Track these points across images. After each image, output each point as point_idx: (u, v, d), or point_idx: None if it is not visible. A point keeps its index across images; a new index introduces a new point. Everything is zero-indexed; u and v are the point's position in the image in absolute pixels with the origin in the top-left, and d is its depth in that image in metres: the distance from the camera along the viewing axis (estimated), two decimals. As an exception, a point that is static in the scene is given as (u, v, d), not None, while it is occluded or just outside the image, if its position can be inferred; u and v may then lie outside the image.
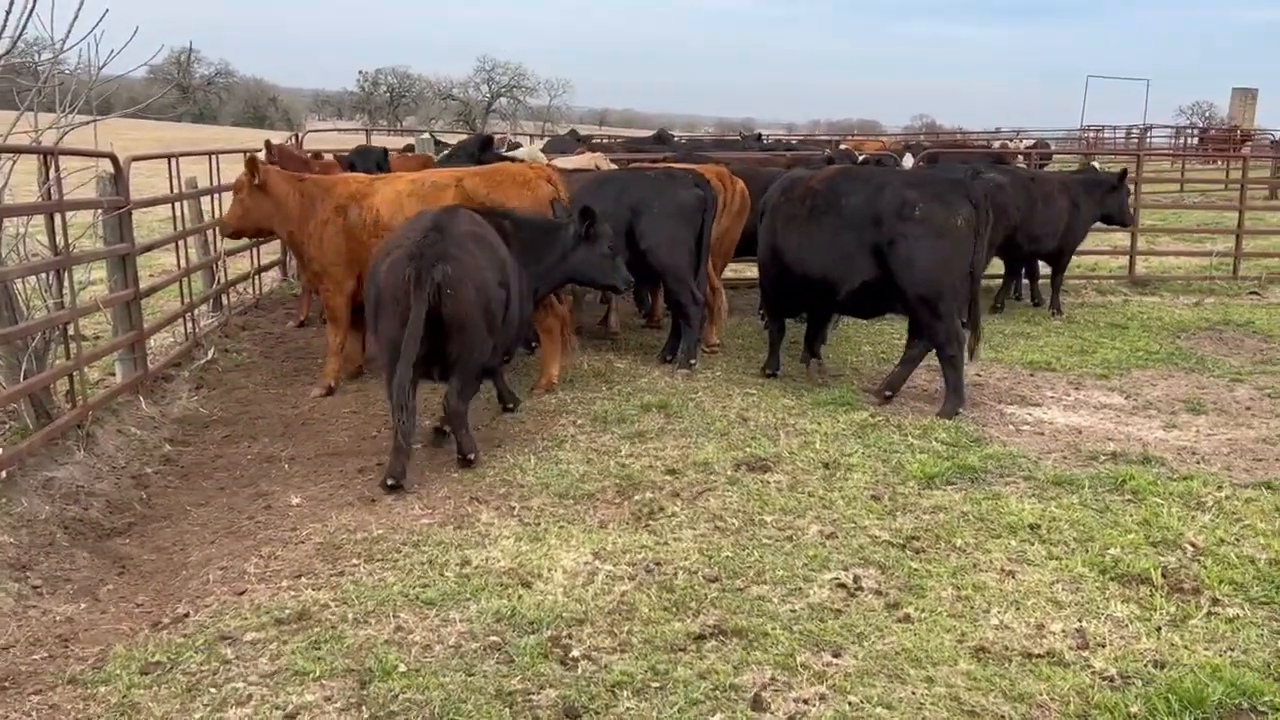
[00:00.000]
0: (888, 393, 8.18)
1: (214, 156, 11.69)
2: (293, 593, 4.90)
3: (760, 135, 24.53)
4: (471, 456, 6.66)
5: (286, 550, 5.45)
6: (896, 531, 5.56)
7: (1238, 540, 5.44)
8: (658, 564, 5.13)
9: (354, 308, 8.43)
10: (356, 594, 4.84)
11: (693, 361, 9.00)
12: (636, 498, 6.05)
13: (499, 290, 6.75)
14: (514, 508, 5.95)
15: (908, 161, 14.25)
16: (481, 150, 10.01)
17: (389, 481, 6.27)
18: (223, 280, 11.27)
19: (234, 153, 12.41)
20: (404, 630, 4.51)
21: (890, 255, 7.87)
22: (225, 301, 11.25)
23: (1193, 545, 5.35)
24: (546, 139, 20.25)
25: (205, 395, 8.55)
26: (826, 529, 5.60)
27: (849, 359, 9.57)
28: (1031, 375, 9.33)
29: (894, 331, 10.70)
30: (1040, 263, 12.87)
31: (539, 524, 5.68)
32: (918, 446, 6.97)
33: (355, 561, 5.25)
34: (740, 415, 7.71)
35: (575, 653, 4.30)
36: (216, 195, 11.43)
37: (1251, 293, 13.97)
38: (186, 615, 4.74)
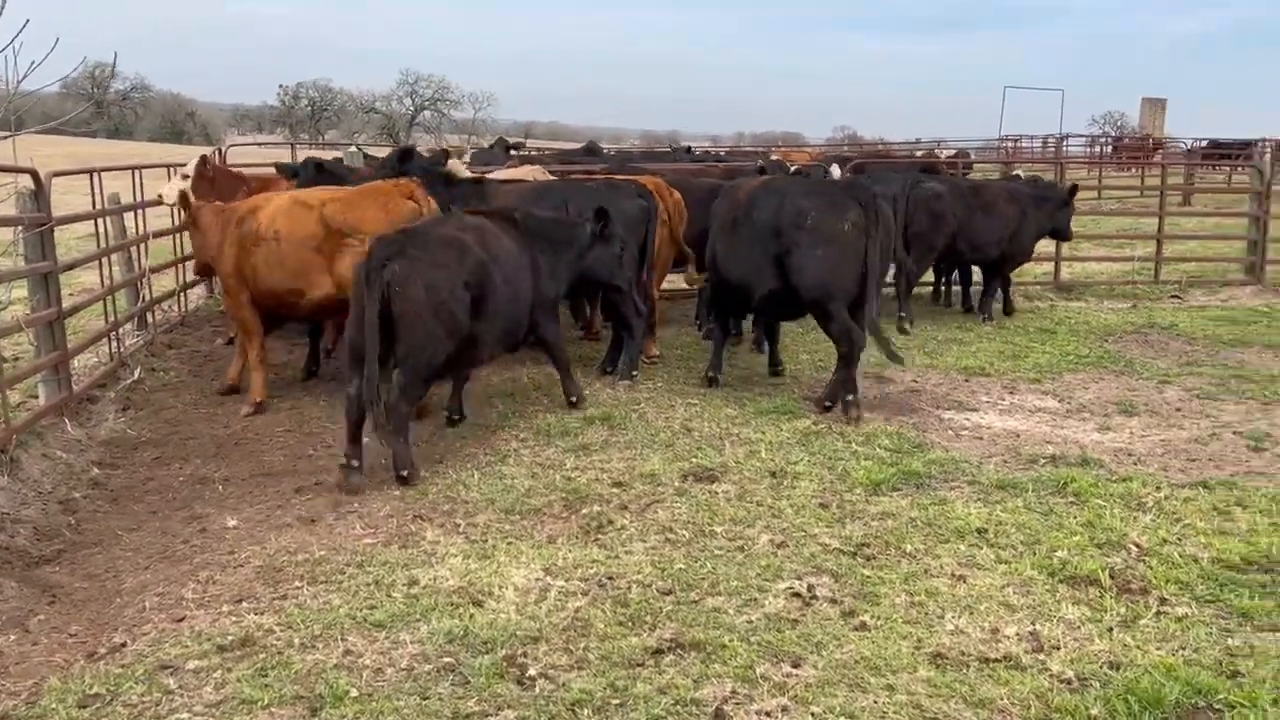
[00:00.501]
0: (827, 403, 8.21)
1: (136, 172, 11.38)
2: (234, 618, 4.74)
3: (690, 147, 24.59)
4: (405, 473, 6.54)
5: (225, 574, 5.28)
6: (847, 539, 5.55)
7: (1180, 540, 5.53)
8: (610, 578, 5.06)
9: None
10: (301, 618, 4.70)
11: (634, 373, 8.95)
12: (584, 511, 5.98)
13: (462, 292, 6.78)
14: (460, 525, 5.84)
15: (835, 172, 14.35)
16: (400, 162, 9.83)
17: (402, 473, 6.50)
18: (148, 298, 10.97)
19: (156, 167, 12.11)
20: (353, 654, 4.39)
21: (787, 263, 8.12)
22: (151, 319, 10.94)
23: (1137, 546, 5.42)
24: (471, 150, 20.02)
25: (133, 416, 8.30)
26: (777, 538, 5.57)
27: (788, 367, 9.58)
28: (967, 380, 9.43)
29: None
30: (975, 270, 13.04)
31: (486, 541, 5.58)
32: (862, 453, 6.99)
33: (298, 584, 5.10)
34: (684, 426, 7.68)
35: (532, 672, 4.21)
36: (140, 211, 11.13)
37: (1173, 296, 14.30)
38: (124, 645, 4.56)
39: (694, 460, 6.85)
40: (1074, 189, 13.17)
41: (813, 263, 8.02)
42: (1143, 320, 12.46)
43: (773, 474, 6.58)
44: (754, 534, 5.63)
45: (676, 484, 6.42)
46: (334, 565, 5.30)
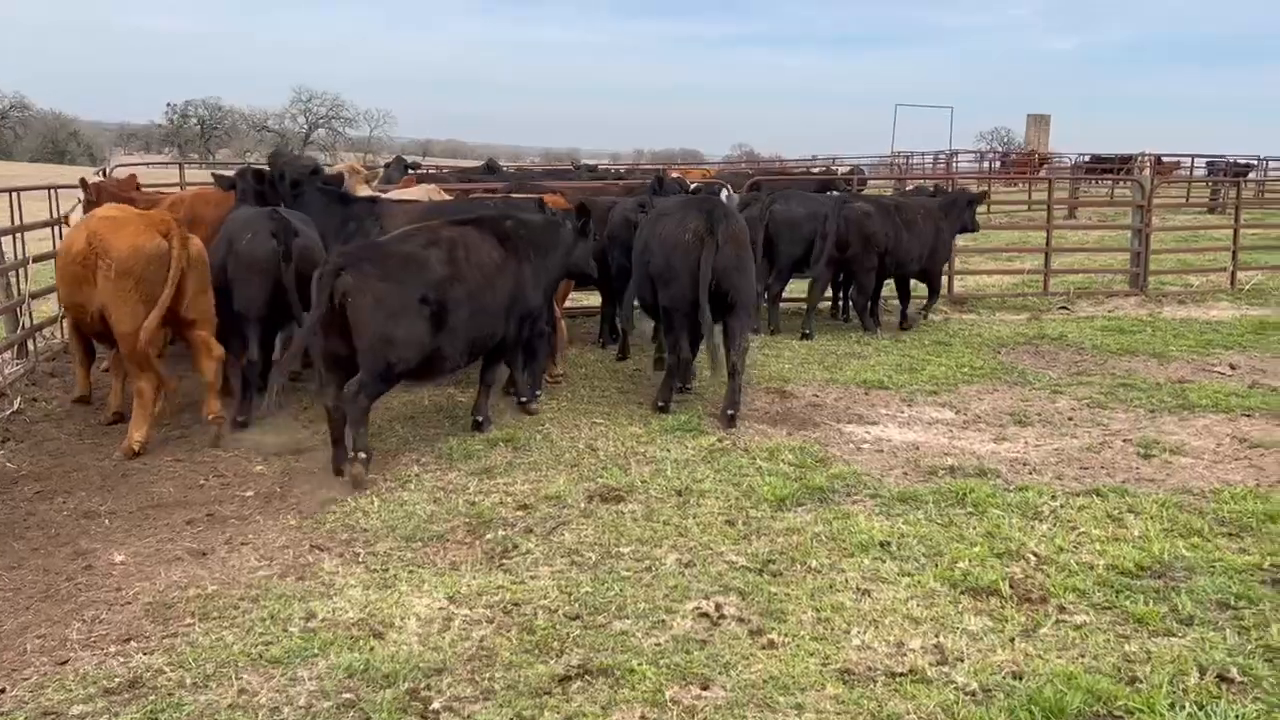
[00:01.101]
0: (730, 411, 8.24)
1: (14, 194, 10.93)
2: (121, 659, 4.54)
3: (592, 165, 24.57)
4: (363, 455, 6.90)
5: (111, 613, 5.06)
6: (753, 556, 5.55)
7: (1076, 548, 5.65)
8: (516, 605, 4.98)
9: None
10: (193, 656, 4.52)
11: (538, 393, 8.86)
12: (488, 536, 5.89)
13: (418, 306, 7.08)
14: (359, 554, 5.70)
15: (727, 193, 14.38)
16: (258, 182, 9.48)
17: (361, 456, 6.89)
18: (28, 325, 10.53)
19: (37, 189, 11.64)
20: (249, 693, 4.22)
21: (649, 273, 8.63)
22: (32, 347, 10.50)
23: (1035, 555, 5.52)
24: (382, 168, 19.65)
25: (12, 449, 7.92)
26: (684, 557, 5.54)
27: (692, 383, 9.58)
28: (866, 394, 9.55)
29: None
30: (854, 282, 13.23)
31: (387, 570, 5.45)
32: (766, 469, 7.01)
33: (189, 621, 4.91)
34: (589, 445, 7.62)
35: (436, 705, 4.10)
36: (19, 234, 10.69)
37: (1061, 307, 14.72)
38: (2, 690, 4.33)
39: (600, 480, 6.80)
40: (983, 194, 13.66)
41: (656, 269, 8.50)
42: (1034, 332, 12.79)
43: (679, 492, 6.56)
44: (661, 554, 5.59)
45: (582, 505, 6.36)
46: (227, 600, 5.11)
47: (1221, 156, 39.02)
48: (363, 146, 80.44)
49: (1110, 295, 15.49)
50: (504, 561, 5.54)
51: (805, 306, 12.64)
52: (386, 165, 20.21)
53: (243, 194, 9.46)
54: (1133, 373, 10.48)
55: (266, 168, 9.81)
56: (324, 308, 6.82)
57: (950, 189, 14.47)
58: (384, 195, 10.33)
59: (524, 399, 8.63)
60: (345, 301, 6.84)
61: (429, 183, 13.58)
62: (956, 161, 46.27)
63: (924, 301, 13.42)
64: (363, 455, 6.89)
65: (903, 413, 8.91)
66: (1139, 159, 36.45)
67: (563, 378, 9.78)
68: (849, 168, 35.67)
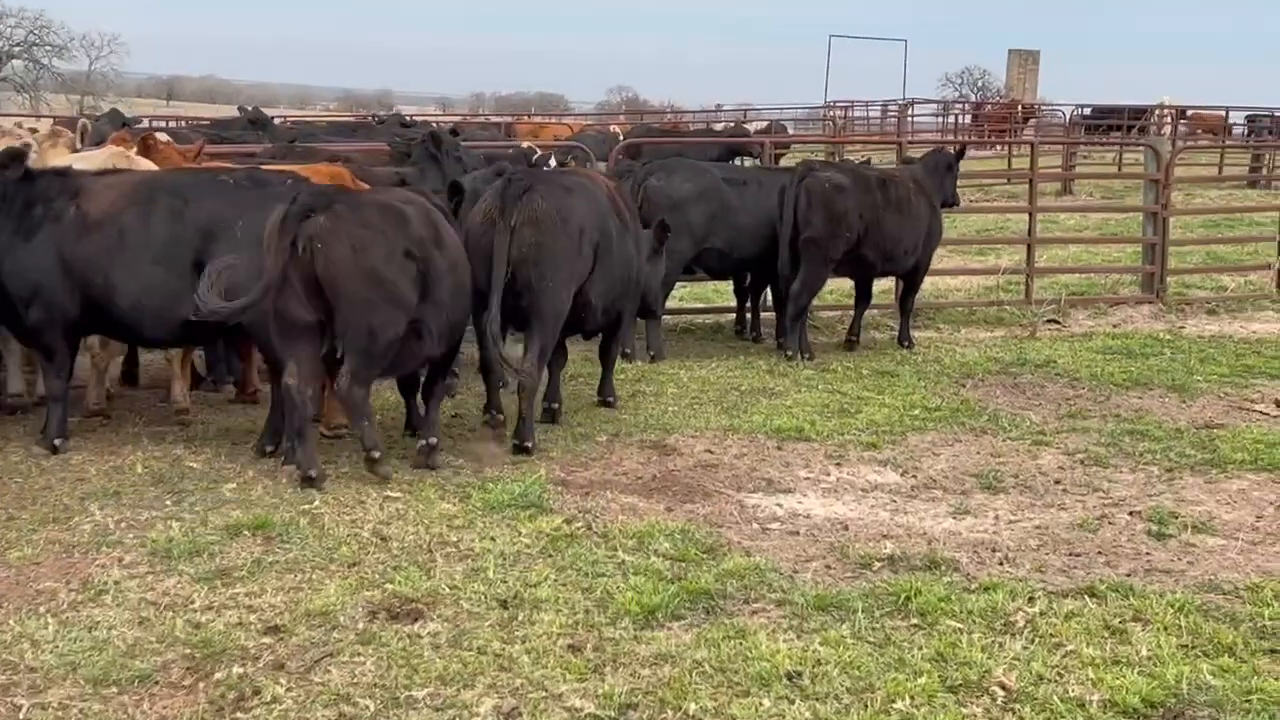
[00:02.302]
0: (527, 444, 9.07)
1: None
2: None
3: (408, 119, 24.23)
4: (376, 454, 8.19)
5: None
6: (606, 699, 5.40)
7: (1061, 676, 5.62)
8: (249, 785, 4.70)
9: None
10: None
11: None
12: (218, 676, 5.62)
13: (404, 261, 8.08)
14: (21, 707, 5.36)
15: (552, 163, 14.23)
16: None
17: (374, 454, 8.21)
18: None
19: None
20: None
21: None
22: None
23: (1003, 688, 5.48)
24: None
25: None
26: (506, 703, 5.38)
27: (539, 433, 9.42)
28: (779, 448, 9.51)
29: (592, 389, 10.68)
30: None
31: (61, 733, 5.14)
32: (631, 565, 6.87)
33: None
34: (377, 533, 7.40)
35: None
36: None
37: (1049, 320, 14.96)
38: None
39: (388, 587, 6.57)
40: (961, 150, 14.51)
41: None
42: (1011, 356, 12.96)
43: (503, 603, 6.37)
44: (472, 699, 5.41)
45: (360, 626, 6.13)
46: None
47: (1267, 109, 40.44)
48: (80, 85, 78.42)
49: (1116, 303, 15.83)
50: (238, 716, 5.28)
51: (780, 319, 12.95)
52: (98, 119, 19.56)
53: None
54: (1144, 414, 10.65)
55: None
56: (285, 252, 7.75)
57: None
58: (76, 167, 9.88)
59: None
60: (314, 249, 7.81)
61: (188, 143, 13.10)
62: (912, 115, 47.15)
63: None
64: (376, 452, 8.18)
65: (828, 475, 8.90)
66: (1157, 112, 37.60)
67: (346, 429, 9.49)
68: (765, 123, 36.13)
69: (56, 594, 6.54)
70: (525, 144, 15.66)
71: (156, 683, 5.58)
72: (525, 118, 44.14)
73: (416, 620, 6.19)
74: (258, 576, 6.74)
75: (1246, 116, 40.97)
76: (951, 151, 14.50)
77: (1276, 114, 38.66)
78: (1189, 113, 38.98)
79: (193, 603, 6.41)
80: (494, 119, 42.49)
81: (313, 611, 6.26)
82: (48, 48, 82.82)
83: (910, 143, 31.98)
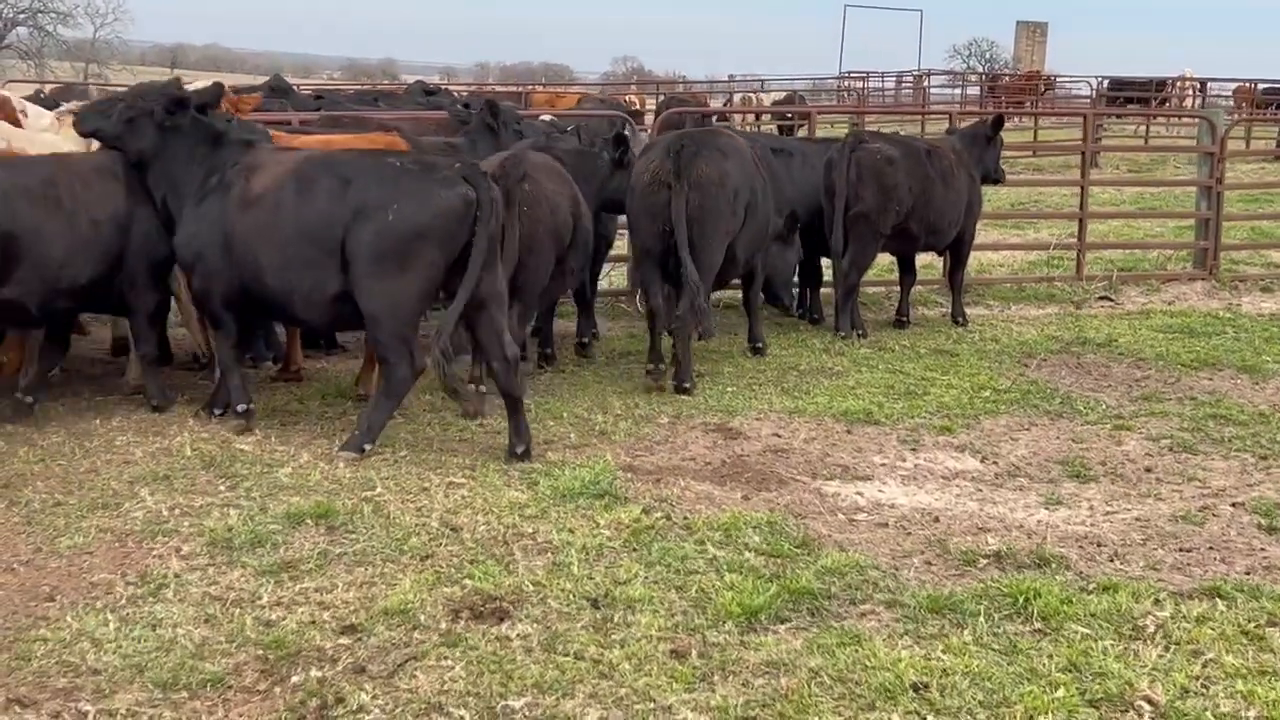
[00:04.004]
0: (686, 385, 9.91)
1: None
2: None
3: (434, 86, 23.75)
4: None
5: None
6: (720, 712, 5.04)
7: (1206, 688, 5.27)
8: (349, 810, 4.33)
9: None
10: None
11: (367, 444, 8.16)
12: (295, 680, 5.30)
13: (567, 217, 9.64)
14: (86, 714, 5.05)
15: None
16: None
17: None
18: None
19: None
20: None
21: None
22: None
23: (1150, 703, 5.13)
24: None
25: None
26: (612, 715, 5.04)
27: (595, 420, 9.03)
28: (849, 432, 9.15)
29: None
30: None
31: (133, 745, 4.79)
32: (723, 560, 6.50)
33: None
34: (447, 522, 7.03)
35: None
36: None
37: (1102, 297, 14.61)
38: None
39: (467, 583, 6.20)
40: (1000, 119, 14.03)
41: None
42: (1070, 334, 12.59)
43: (594, 602, 6.01)
44: (574, 710, 5.06)
45: (443, 625, 5.78)
46: None
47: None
48: (85, 53, 77.95)
49: (1168, 279, 15.45)
50: (323, 726, 4.92)
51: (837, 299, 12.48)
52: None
53: None
54: (1220, 396, 10.28)
55: None
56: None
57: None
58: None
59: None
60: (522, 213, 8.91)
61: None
62: (929, 85, 46.73)
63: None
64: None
65: (905, 461, 8.55)
66: (1178, 83, 37.18)
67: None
68: (784, 94, 35.72)
69: (114, 587, 6.22)
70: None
71: (230, 687, 5.28)
72: (536, 86, 43.66)
73: (503, 620, 5.84)
74: (325, 570, 6.41)
75: (1264, 89, 40.55)
76: (988, 122, 14.19)
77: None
78: (1235, 88, 38.53)
79: (260, 598, 6.08)
80: (500, 87, 42.05)
81: (390, 610, 5.92)
82: (52, 15, 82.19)
83: (928, 114, 31.76)
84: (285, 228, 8.15)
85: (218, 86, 9.37)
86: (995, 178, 13.92)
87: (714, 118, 24.62)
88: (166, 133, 8.59)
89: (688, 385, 9.92)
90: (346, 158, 8.58)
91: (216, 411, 8.76)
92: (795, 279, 12.90)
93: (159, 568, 6.40)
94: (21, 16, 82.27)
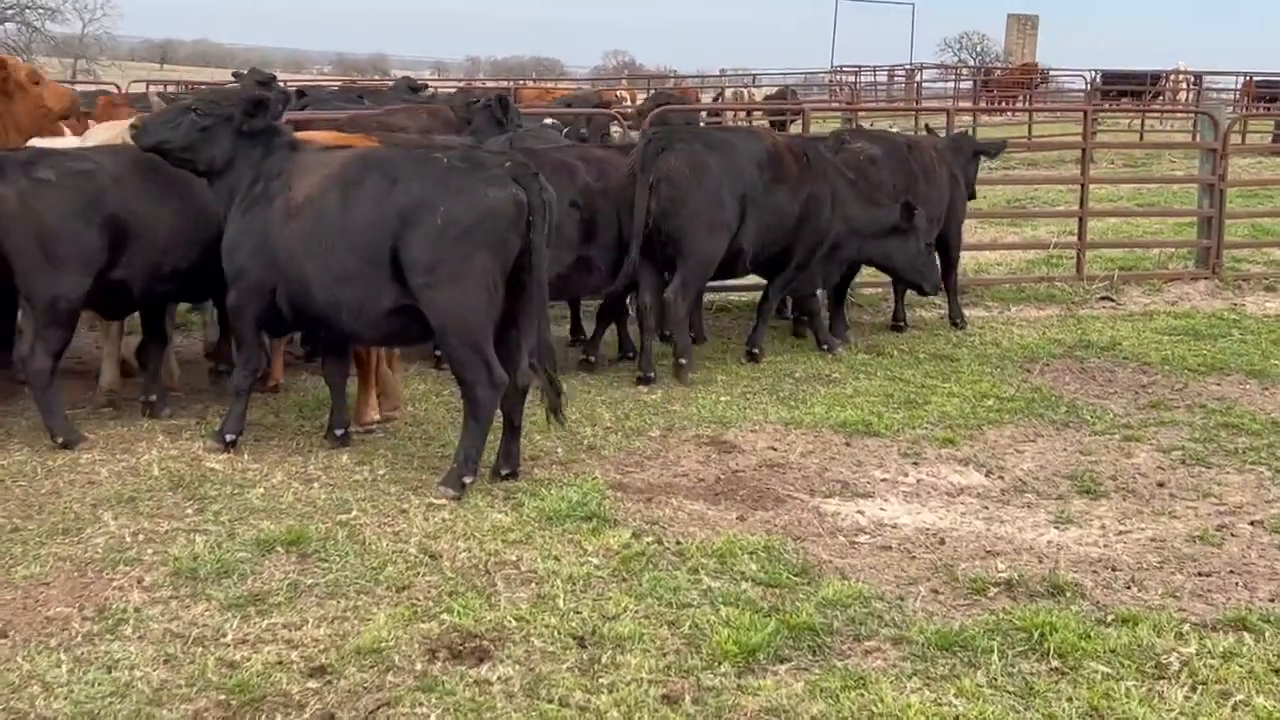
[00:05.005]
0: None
1: None
2: None
3: (420, 84, 23.34)
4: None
5: None
6: (716, 767, 4.63)
7: (1240, 735, 4.87)
8: None
9: None
10: None
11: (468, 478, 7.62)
12: (259, 730, 4.89)
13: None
14: (34, 769, 4.65)
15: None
16: None
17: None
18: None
19: None
20: None
21: None
22: None
23: (1180, 753, 4.72)
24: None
25: None
26: None
27: (584, 433, 8.65)
28: (848, 444, 8.78)
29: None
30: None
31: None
32: (718, 591, 6.12)
33: None
34: (425, 549, 6.66)
35: None
36: None
37: (1103, 298, 14.27)
38: None
39: (445, 618, 5.84)
40: (1000, 146, 13.85)
41: None
42: (1072, 337, 12.24)
43: (580, 640, 5.64)
44: (559, 763, 4.64)
45: (419, 667, 5.41)
46: None
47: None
48: (73, 49, 77.43)
49: (1170, 279, 15.09)
50: (288, 786, 4.53)
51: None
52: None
53: None
54: (1231, 403, 9.92)
55: None
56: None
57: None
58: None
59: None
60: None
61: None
62: (921, 78, 46.36)
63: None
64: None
65: (906, 476, 8.19)
66: (1173, 77, 36.85)
67: (379, 425, 8.78)
68: (776, 89, 35.33)
69: (70, 622, 5.87)
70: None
71: (187, 737, 4.88)
72: (528, 81, 43.31)
73: (483, 661, 5.48)
74: (296, 603, 6.05)
75: (1259, 82, 40.22)
76: (983, 142, 14.00)
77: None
78: (1241, 80, 38.21)
79: (224, 636, 5.73)
80: (490, 83, 41.70)
81: (362, 649, 5.56)
82: (40, 10, 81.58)
83: (921, 110, 31.42)
84: (330, 235, 7.68)
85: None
86: (969, 193, 13.67)
87: (704, 116, 24.12)
88: (241, 139, 8.10)
89: (650, 375, 10.16)
90: (391, 155, 8.16)
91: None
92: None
93: (119, 601, 6.05)
94: (9, 12, 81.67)
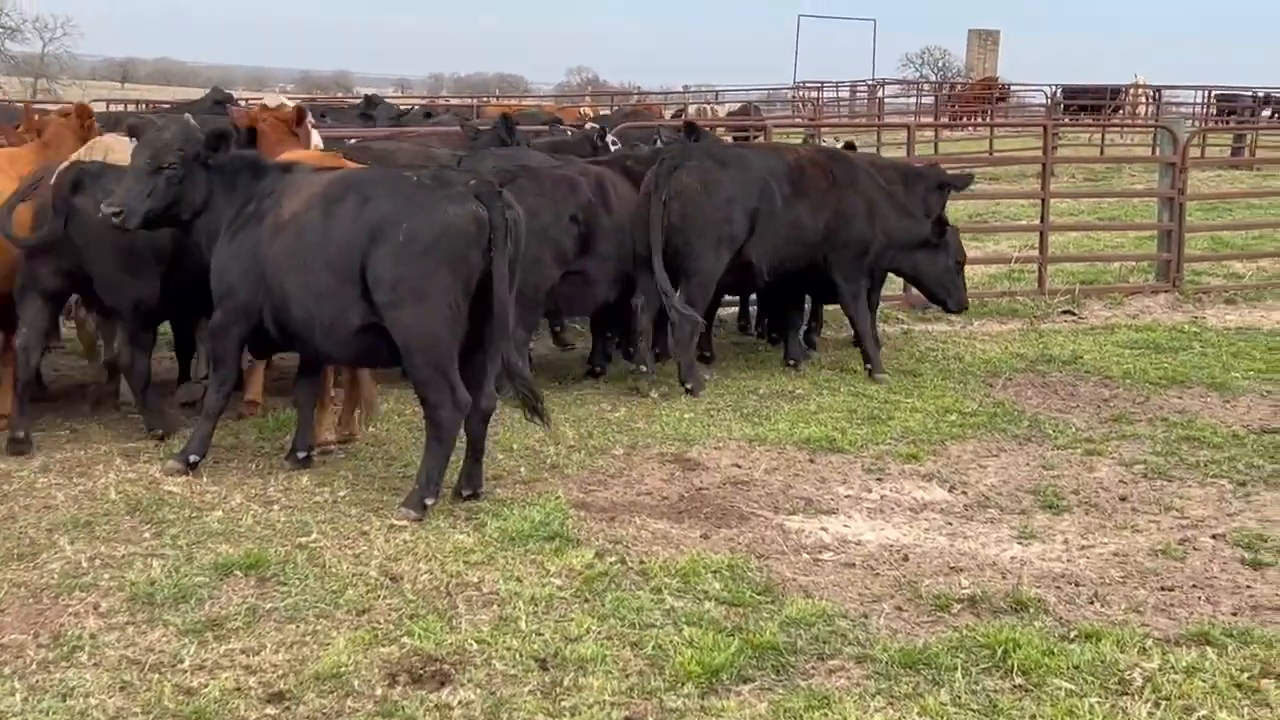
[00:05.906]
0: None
1: None
2: None
3: (375, 100, 23.20)
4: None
5: None
6: (679, 792, 4.58)
7: (1204, 752, 4.86)
8: None
9: None
10: None
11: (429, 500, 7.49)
12: (216, 759, 4.81)
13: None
14: (-17, 805, 4.56)
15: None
16: None
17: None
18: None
19: None
20: None
21: None
22: None
23: (1144, 770, 4.70)
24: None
25: None
26: None
27: (547, 452, 8.60)
28: (811, 461, 8.77)
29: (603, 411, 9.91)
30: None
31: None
32: (681, 612, 6.07)
33: None
34: (386, 570, 6.59)
35: None
36: None
37: (1065, 312, 14.33)
38: None
39: (406, 641, 5.77)
40: (965, 180, 13.38)
41: None
42: (1034, 351, 12.30)
43: (542, 663, 5.58)
44: (517, 790, 4.58)
45: (379, 692, 5.35)
46: None
47: (1238, 88, 40.07)
48: (33, 68, 76.92)
49: (1131, 292, 15.18)
50: (244, 816, 4.46)
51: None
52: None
53: None
54: (1191, 416, 9.97)
55: None
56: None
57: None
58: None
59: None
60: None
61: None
62: (883, 94, 46.50)
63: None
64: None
65: (870, 492, 8.21)
66: (1133, 91, 37.07)
67: (338, 445, 8.70)
68: (739, 105, 35.35)
69: (24, 650, 5.77)
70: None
71: (142, 769, 4.81)
72: (491, 99, 43.19)
73: (444, 685, 5.42)
74: (254, 627, 5.97)
75: (1217, 96, 40.51)
76: (947, 175, 13.25)
77: (1254, 92, 38.33)
78: (1160, 91, 38.48)
79: (181, 662, 5.64)
80: (455, 101, 41.60)
81: (322, 674, 5.49)
82: (0, 30, 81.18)
83: (883, 125, 31.50)
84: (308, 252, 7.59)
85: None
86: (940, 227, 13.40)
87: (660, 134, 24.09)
88: (212, 174, 7.97)
89: (689, 386, 10.36)
90: (370, 174, 8.12)
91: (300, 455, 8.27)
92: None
93: (74, 627, 5.95)
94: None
